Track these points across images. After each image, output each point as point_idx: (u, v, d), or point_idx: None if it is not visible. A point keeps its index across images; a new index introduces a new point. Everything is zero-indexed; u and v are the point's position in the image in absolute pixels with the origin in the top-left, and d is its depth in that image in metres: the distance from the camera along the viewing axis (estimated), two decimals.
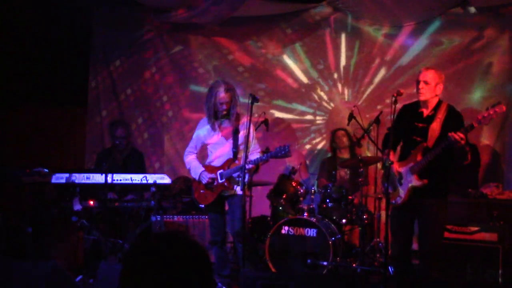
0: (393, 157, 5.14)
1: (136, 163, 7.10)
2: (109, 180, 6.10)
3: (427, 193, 4.99)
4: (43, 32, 8.47)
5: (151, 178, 6.30)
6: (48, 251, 6.41)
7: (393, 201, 5.09)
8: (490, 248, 5.78)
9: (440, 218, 5.17)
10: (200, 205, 5.98)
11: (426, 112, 5.09)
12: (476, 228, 5.88)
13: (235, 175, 5.59)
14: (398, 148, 5.35)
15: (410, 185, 5.00)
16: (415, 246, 5.33)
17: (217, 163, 5.76)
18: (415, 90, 5.13)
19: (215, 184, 5.68)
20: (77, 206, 6.21)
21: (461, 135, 4.67)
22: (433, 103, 5.08)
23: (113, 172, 6.25)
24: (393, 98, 4.98)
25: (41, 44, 8.58)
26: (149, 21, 8.62)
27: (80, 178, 6.26)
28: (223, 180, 5.66)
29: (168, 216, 6.74)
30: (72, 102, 9.06)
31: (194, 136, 5.96)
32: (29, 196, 6.70)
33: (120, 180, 6.28)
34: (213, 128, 5.74)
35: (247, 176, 5.49)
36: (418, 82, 5.06)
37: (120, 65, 8.97)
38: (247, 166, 5.45)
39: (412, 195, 5.01)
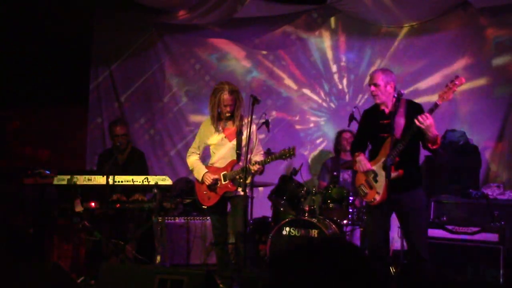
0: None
1: (137, 163, 7.10)
2: (111, 182, 6.11)
3: (404, 185, 5.06)
4: (44, 32, 8.50)
5: (152, 180, 6.31)
6: (49, 252, 6.42)
7: (372, 199, 5.18)
8: (491, 248, 5.79)
9: (423, 209, 5.29)
10: (203, 206, 5.99)
11: (387, 109, 5.22)
12: (477, 229, 5.90)
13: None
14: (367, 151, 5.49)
15: (386, 179, 5.03)
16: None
17: (220, 164, 5.76)
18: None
19: (218, 185, 5.69)
20: (79, 208, 6.22)
21: (426, 114, 4.83)
22: (391, 101, 5.21)
23: (114, 173, 6.26)
24: (394, 98, 5.05)
25: (42, 45, 8.61)
26: (150, 22, 8.63)
27: (81, 179, 6.27)
28: (226, 182, 5.67)
29: (169, 217, 6.75)
30: (73, 103, 9.08)
31: (197, 137, 5.96)
32: (30, 198, 6.72)
33: (122, 181, 6.28)
34: (217, 129, 5.74)
35: (250, 178, 5.52)
36: (369, 86, 5.27)
37: (121, 65, 8.98)
38: (253, 168, 5.48)
39: (390, 189, 5.04)
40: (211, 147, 5.86)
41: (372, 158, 5.32)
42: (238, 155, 5.66)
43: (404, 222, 5.22)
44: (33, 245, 6.35)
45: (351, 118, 6.71)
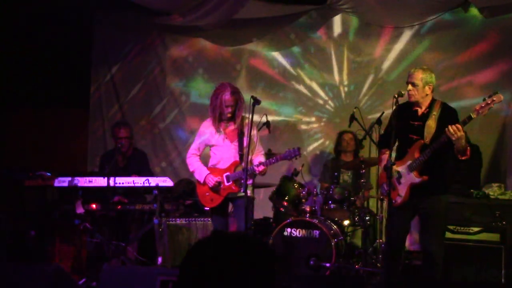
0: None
1: (138, 163, 7.09)
2: (112, 183, 6.11)
3: (427, 190, 5.00)
4: (44, 34, 8.50)
5: (153, 181, 6.31)
6: (51, 254, 6.42)
7: (393, 201, 5.09)
8: (493, 248, 5.79)
9: (442, 216, 5.19)
10: (205, 208, 5.98)
11: (420, 110, 5.12)
12: (478, 229, 5.89)
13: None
14: (394, 148, 5.33)
15: (410, 182, 5.00)
16: (415, 246, 5.34)
17: (222, 165, 5.76)
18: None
19: (221, 187, 5.69)
20: (80, 209, 6.22)
21: (458, 126, 4.69)
22: (426, 102, 5.12)
23: (116, 175, 6.26)
24: (395, 99, 5.01)
25: (43, 47, 8.61)
26: (151, 23, 8.64)
27: (82, 181, 6.27)
28: (230, 183, 5.67)
29: (170, 219, 6.75)
30: (74, 105, 9.10)
31: (197, 138, 5.96)
32: (31, 200, 6.72)
33: (123, 183, 6.28)
34: (217, 130, 5.74)
35: (253, 179, 5.53)
36: (407, 84, 5.11)
37: (122, 67, 9.00)
38: (258, 168, 5.48)
39: (412, 193, 5.01)
40: (211, 148, 5.85)
41: (398, 158, 5.22)
42: (241, 156, 5.65)
43: (422, 225, 5.18)
44: (34, 247, 6.36)
45: (352, 118, 6.71)
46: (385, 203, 6.23)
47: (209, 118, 5.81)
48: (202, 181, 5.76)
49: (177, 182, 7.48)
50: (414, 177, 5.00)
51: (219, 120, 5.70)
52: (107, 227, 6.52)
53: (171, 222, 6.78)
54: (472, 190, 6.31)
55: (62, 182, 6.26)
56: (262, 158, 5.77)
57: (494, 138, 7.44)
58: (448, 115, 5.03)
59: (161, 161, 8.77)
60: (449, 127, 4.70)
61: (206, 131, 5.83)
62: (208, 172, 5.75)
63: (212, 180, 5.66)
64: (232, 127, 5.75)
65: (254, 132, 5.67)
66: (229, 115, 5.67)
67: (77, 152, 9.09)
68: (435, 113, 5.05)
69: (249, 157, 5.64)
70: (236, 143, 5.71)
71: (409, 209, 5.11)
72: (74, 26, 8.54)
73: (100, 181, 6.26)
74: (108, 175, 6.15)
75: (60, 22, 8.29)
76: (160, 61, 8.90)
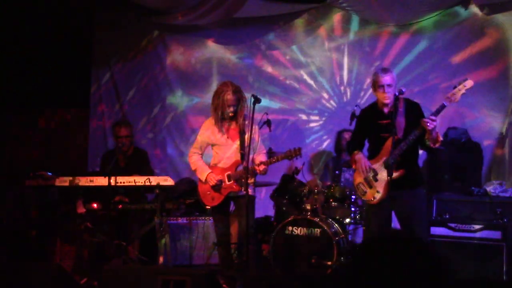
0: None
1: (139, 162, 7.10)
2: (113, 183, 6.12)
3: (404, 184, 5.10)
4: (45, 34, 8.51)
5: (154, 180, 6.32)
6: (52, 254, 6.44)
7: (371, 198, 5.22)
8: (494, 246, 5.79)
9: (422, 210, 5.31)
10: (206, 207, 5.99)
11: (387, 109, 5.23)
12: (479, 226, 5.90)
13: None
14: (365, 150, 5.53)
15: (387, 178, 5.04)
16: None
17: (223, 164, 5.77)
18: (374, 94, 5.34)
19: (222, 186, 5.70)
20: (81, 209, 6.23)
21: (433, 117, 4.87)
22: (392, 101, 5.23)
23: (117, 174, 6.27)
24: (395, 97, 5.05)
25: (43, 46, 8.63)
26: (152, 23, 8.64)
27: (83, 181, 6.28)
28: (231, 182, 5.68)
29: (172, 218, 6.76)
30: (75, 104, 9.11)
31: (198, 137, 5.96)
32: (32, 200, 6.73)
33: (124, 182, 6.29)
34: (219, 130, 5.74)
35: (254, 178, 5.54)
36: (380, 86, 5.19)
37: (122, 67, 9.00)
38: (259, 168, 5.51)
39: (390, 188, 5.05)
40: (213, 148, 5.86)
41: (371, 157, 5.33)
42: (242, 155, 5.65)
43: (404, 220, 5.23)
44: (35, 247, 6.37)
45: (353, 116, 6.71)
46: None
47: (211, 117, 5.81)
48: (203, 179, 5.77)
49: (178, 181, 7.48)
50: (392, 172, 5.06)
51: (221, 119, 5.70)
52: (108, 227, 6.53)
53: (172, 222, 6.80)
54: (473, 188, 6.31)
55: (63, 181, 6.27)
56: (263, 157, 5.78)
57: (495, 135, 7.42)
58: (414, 109, 5.24)
59: (162, 160, 8.77)
60: (423, 120, 4.88)
61: (208, 130, 5.84)
62: (210, 170, 5.76)
63: (213, 179, 5.68)
64: (234, 126, 5.75)
65: (255, 131, 5.67)
66: (231, 114, 5.67)
67: (77, 152, 9.10)
68: (401, 109, 5.19)
69: (251, 156, 5.65)
70: (237, 142, 5.71)
71: (387, 204, 5.19)
72: (74, 26, 8.55)
73: (101, 181, 6.27)
74: (109, 174, 6.16)
75: (61, 21, 8.30)
76: (161, 60, 8.90)
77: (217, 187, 5.69)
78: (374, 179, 5.22)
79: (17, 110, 8.98)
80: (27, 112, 9.04)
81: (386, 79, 5.18)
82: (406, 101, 5.27)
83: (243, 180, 5.49)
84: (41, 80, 8.69)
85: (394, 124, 5.09)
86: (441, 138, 5.09)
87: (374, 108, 5.37)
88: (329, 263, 6.09)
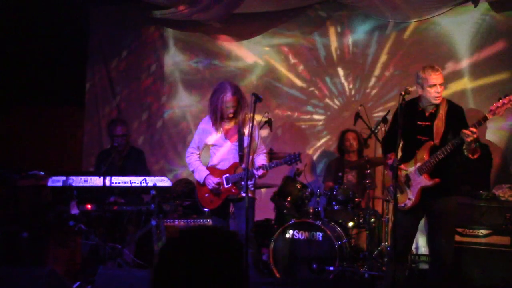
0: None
1: (135, 162, 7.08)
2: (108, 183, 6.10)
3: (438, 192, 4.99)
4: (39, 30, 8.50)
5: (151, 181, 6.29)
6: (44, 256, 6.42)
7: (402, 205, 5.07)
8: (503, 252, 5.77)
9: (454, 216, 5.19)
10: (204, 209, 5.96)
11: (427, 110, 5.08)
12: (487, 231, 5.88)
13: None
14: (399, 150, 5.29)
15: (420, 185, 4.98)
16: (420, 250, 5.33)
17: (222, 166, 5.73)
18: (422, 93, 5.07)
19: (221, 189, 5.67)
20: (75, 210, 6.21)
21: (473, 130, 4.69)
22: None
23: (112, 174, 6.25)
24: (401, 97, 4.97)
25: (37, 43, 8.61)
26: (149, 18, 8.63)
27: (77, 181, 6.26)
28: (229, 185, 5.64)
29: (168, 220, 6.74)
30: (69, 102, 9.10)
31: (195, 136, 5.93)
32: (24, 200, 6.71)
33: (119, 182, 6.27)
34: (217, 130, 5.71)
35: (253, 180, 5.51)
36: (432, 85, 4.98)
37: (118, 64, 9.00)
38: (258, 172, 5.47)
39: (423, 195, 4.99)
40: (211, 148, 5.82)
41: (405, 160, 5.16)
42: (241, 157, 5.63)
43: (432, 226, 5.16)
44: (27, 250, 6.35)
45: (357, 116, 6.70)
46: (390, 205, 6.20)
47: (209, 116, 5.79)
48: (201, 182, 5.74)
49: (176, 182, 7.48)
50: (425, 180, 4.97)
51: (220, 119, 5.67)
52: (103, 229, 6.50)
53: (169, 224, 6.78)
54: (481, 192, 6.29)
55: (56, 181, 6.25)
56: (263, 158, 5.75)
57: (504, 138, 7.41)
58: (456, 114, 5.04)
59: (159, 160, 8.76)
60: (464, 131, 4.69)
61: (206, 129, 5.81)
62: (208, 172, 5.73)
63: (211, 182, 5.64)
64: (232, 126, 5.72)
65: (256, 131, 5.64)
66: (231, 115, 5.63)
67: (71, 151, 9.10)
68: (442, 111, 5.03)
69: (250, 157, 5.63)
70: (236, 143, 5.68)
71: (418, 211, 5.10)
72: (70, 22, 8.54)
73: (95, 181, 6.25)
74: (104, 174, 6.14)
75: (56, 17, 8.29)
76: (158, 57, 8.89)
77: (215, 190, 5.67)
78: (407, 184, 5.08)
79: (9, 108, 8.97)
80: (20, 110, 9.03)
81: (438, 77, 5.00)
82: (449, 104, 5.08)
83: (242, 183, 5.46)
84: (35, 77, 8.67)
85: (432, 128, 4.98)
86: (479, 149, 4.90)
87: (414, 106, 5.15)
88: (331, 268, 6.08)
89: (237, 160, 5.65)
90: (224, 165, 5.72)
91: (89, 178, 6.30)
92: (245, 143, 5.60)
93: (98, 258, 6.24)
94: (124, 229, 6.69)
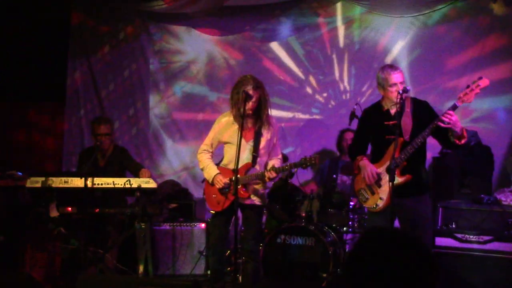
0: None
1: (120, 161, 7.03)
2: (90, 184, 6.05)
3: (410, 190, 5.08)
4: (18, 23, 8.45)
5: (135, 182, 6.26)
6: (22, 261, 6.37)
7: (374, 206, 5.21)
8: (504, 259, 5.76)
9: (429, 216, 5.31)
10: (211, 211, 5.91)
11: (392, 109, 5.20)
12: (489, 237, 5.87)
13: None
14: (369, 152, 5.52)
15: (390, 183, 4.99)
16: None
17: (234, 166, 5.63)
18: (384, 93, 5.25)
19: (230, 190, 5.59)
20: (54, 213, 6.17)
21: (450, 112, 4.80)
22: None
23: (95, 175, 6.21)
24: (399, 95, 5.00)
25: (16, 36, 8.56)
26: (133, 11, 8.58)
27: (57, 182, 6.21)
28: (239, 187, 5.54)
29: (153, 224, 6.71)
30: (49, 98, 9.04)
31: (210, 133, 5.82)
32: (1, 202, 6.67)
33: (102, 184, 6.22)
34: (234, 125, 5.59)
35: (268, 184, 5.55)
36: (393, 85, 5.13)
37: (101, 58, 8.94)
38: (268, 174, 5.45)
39: (394, 194, 5.01)
40: (225, 146, 5.75)
41: (374, 161, 5.31)
42: (254, 158, 5.57)
43: (408, 229, 5.19)
44: (3, 254, 6.31)
45: (352, 115, 6.69)
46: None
47: (228, 112, 5.70)
48: (210, 181, 5.68)
49: (162, 183, 7.44)
50: (396, 177, 5.02)
51: (238, 115, 5.52)
52: (84, 232, 6.45)
53: (154, 228, 6.74)
54: (482, 195, 6.28)
55: (35, 182, 6.20)
56: (278, 164, 5.69)
57: (506, 141, 7.42)
58: (422, 108, 5.22)
59: (144, 160, 8.70)
60: (441, 118, 4.81)
61: (222, 126, 5.72)
62: (218, 172, 5.66)
63: (220, 182, 5.58)
64: (250, 125, 5.63)
65: (273, 132, 5.62)
66: (250, 111, 5.52)
67: (51, 150, 9.04)
68: (408, 109, 5.17)
69: (264, 159, 5.59)
70: (251, 143, 5.60)
71: (390, 212, 5.12)
72: (51, 14, 8.48)
73: (76, 182, 6.21)
74: (86, 175, 6.09)
75: (36, 9, 8.24)
76: (144, 51, 8.83)
77: (223, 191, 5.60)
78: (378, 185, 5.20)
79: None
80: None
81: (397, 76, 5.13)
82: (413, 101, 5.25)
83: (253, 187, 5.49)
84: (12, 71, 8.61)
85: (400, 126, 5.05)
86: (465, 131, 4.98)
87: (378, 108, 5.33)
88: (324, 275, 6.06)
89: (250, 161, 5.59)
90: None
91: (70, 179, 6.26)
92: (261, 145, 5.56)
93: (78, 263, 6.20)
94: (106, 233, 6.65)
